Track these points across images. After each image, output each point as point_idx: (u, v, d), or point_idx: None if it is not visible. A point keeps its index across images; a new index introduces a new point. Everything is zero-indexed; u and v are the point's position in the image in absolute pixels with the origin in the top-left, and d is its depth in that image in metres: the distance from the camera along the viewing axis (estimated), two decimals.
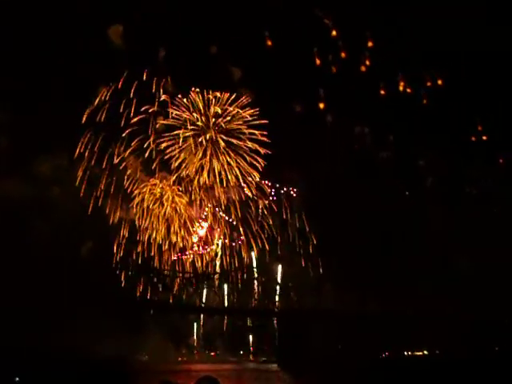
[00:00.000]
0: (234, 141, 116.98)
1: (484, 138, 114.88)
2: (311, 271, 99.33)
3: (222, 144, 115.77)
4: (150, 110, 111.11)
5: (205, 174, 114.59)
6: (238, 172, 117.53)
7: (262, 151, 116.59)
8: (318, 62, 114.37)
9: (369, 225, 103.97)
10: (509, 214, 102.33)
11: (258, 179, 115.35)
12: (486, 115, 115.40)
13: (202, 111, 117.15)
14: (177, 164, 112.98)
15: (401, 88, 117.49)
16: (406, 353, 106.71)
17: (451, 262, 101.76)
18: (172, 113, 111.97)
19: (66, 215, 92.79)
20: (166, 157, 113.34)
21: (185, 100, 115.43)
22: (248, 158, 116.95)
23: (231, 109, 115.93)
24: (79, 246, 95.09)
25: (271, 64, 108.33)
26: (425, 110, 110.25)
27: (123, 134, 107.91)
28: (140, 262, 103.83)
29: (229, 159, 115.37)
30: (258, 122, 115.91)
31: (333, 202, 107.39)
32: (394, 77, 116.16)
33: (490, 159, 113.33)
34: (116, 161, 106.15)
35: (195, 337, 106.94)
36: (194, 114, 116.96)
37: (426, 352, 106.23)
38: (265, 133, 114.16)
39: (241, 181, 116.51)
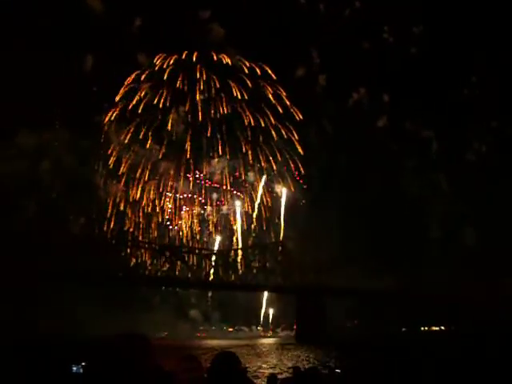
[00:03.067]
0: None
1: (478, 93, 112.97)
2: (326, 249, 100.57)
3: None
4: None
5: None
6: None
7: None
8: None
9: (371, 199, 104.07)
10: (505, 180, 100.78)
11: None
12: (480, 70, 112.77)
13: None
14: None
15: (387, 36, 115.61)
16: (422, 328, 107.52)
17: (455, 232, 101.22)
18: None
19: (55, 190, 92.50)
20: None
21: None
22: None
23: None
24: (71, 222, 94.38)
25: (256, 25, 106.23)
26: (417, 68, 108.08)
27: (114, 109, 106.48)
28: (155, 239, 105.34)
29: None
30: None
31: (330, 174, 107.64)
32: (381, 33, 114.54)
33: (484, 122, 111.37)
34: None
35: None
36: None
37: (442, 328, 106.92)
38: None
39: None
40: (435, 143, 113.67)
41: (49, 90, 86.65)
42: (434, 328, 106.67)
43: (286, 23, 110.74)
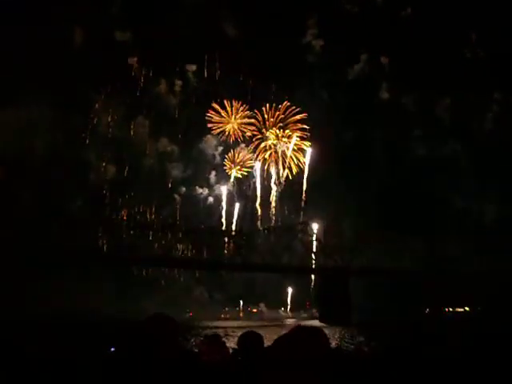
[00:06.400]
0: None
1: (481, 53, 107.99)
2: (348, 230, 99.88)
3: None
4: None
5: None
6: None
7: None
8: None
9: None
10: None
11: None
12: (483, 29, 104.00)
13: None
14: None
15: None
16: (446, 309, 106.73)
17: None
18: None
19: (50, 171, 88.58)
20: None
21: None
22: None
23: None
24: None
25: None
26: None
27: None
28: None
29: None
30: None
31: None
32: None
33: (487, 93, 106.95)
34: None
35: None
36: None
37: (467, 309, 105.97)
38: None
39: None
40: (438, 111, 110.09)
41: (37, 65, 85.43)
42: (459, 309, 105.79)
43: None
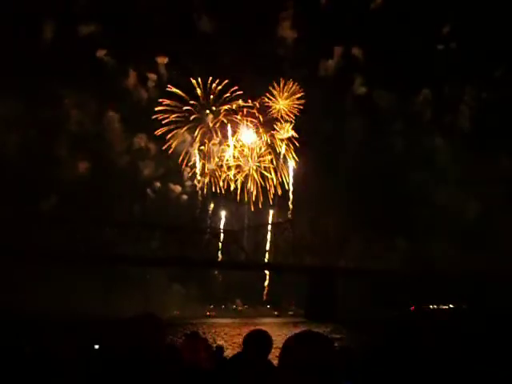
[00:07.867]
0: None
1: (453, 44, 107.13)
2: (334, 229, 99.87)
3: None
4: None
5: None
6: None
7: None
8: None
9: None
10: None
11: None
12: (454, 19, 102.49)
13: None
14: None
15: None
16: (431, 306, 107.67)
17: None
18: None
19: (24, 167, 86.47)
20: None
21: None
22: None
23: None
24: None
25: None
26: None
27: None
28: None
29: None
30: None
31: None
32: None
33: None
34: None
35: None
36: None
37: (451, 306, 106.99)
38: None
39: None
40: (416, 105, 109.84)
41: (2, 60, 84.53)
42: (443, 307, 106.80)
43: None
